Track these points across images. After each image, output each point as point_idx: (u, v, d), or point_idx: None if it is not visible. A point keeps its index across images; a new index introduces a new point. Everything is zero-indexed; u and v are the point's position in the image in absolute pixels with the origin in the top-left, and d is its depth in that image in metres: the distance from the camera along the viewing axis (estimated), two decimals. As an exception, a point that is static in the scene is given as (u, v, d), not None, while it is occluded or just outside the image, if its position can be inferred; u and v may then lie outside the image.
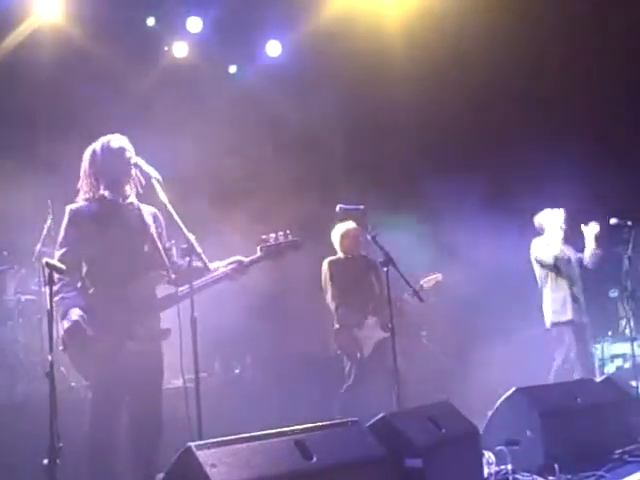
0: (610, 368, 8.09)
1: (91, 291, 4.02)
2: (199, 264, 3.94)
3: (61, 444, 3.28)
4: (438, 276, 6.53)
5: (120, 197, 4.19)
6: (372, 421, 3.95)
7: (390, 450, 3.65)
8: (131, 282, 4.06)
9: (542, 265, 6.95)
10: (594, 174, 7.66)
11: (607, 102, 8.42)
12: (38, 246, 6.19)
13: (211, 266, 4.10)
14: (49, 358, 3.38)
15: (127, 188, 4.22)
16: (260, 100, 8.52)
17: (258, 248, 4.28)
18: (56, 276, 3.87)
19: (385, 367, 5.46)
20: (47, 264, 3.55)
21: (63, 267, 3.60)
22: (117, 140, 4.22)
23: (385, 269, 5.14)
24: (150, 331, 4.11)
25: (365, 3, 8.34)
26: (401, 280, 5.33)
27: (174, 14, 8.20)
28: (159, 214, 4.34)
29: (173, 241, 3.92)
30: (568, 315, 6.81)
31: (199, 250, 3.88)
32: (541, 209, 7.14)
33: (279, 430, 3.30)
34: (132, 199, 4.25)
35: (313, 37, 8.30)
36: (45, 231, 6.16)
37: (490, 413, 4.95)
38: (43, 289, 5.72)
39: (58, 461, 3.26)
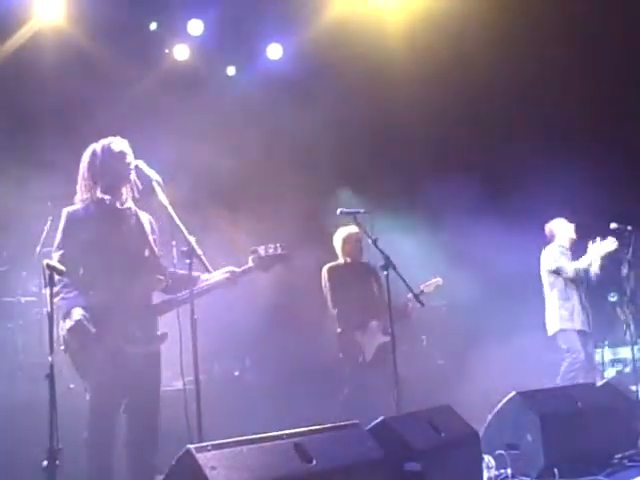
0: (610, 373, 8.09)
1: (90, 293, 4.01)
2: (195, 274, 3.98)
3: (60, 446, 3.29)
4: (438, 280, 6.53)
5: (118, 201, 4.20)
6: (372, 424, 3.95)
7: (390, 454, 3.65)
8: (129, 286, 4.07)
9: (559, 273, 6.94)
10: (595, 176, 7.67)
11: (607, 102, 8.44)
12: (38, 247, 6.19)
13: (204, 276, 4.15)
14: (49, 360, 3.38)
15: (124, 192, 4.23)
16: (260, 102, 8.52)
17: (250, 259, 4.35)
18: (56, 277, 3.88)
19: (386, 371, 5.45)
20: (47, 265, 3.55)
21: (63, 268, 3.60)
22: (118, 143, 4.23)
23: (385, 273, 5.14)
24: (148, 335, 4.12)
25: (367, 6, 8.35)
26: (401, 284, 5.32)
27: (175, 17, 8.20)
28: (153, 220, 4.37)
29: (174, 243, 3.92)
30: (577, 324, 6.83)
31: (199, 252, 3.89)
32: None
33: (279, 433, 3.30)
34: (129, 204, 4.27)
35: (314, 40, 8.30)
36: (45, 232, 6.16)
37: (490, 417, 4.95)
38: (43, 291, 5.71)
39: (58, 463, 3.27)
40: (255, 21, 8.45)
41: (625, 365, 7.97)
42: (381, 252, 5.21)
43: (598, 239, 6.82)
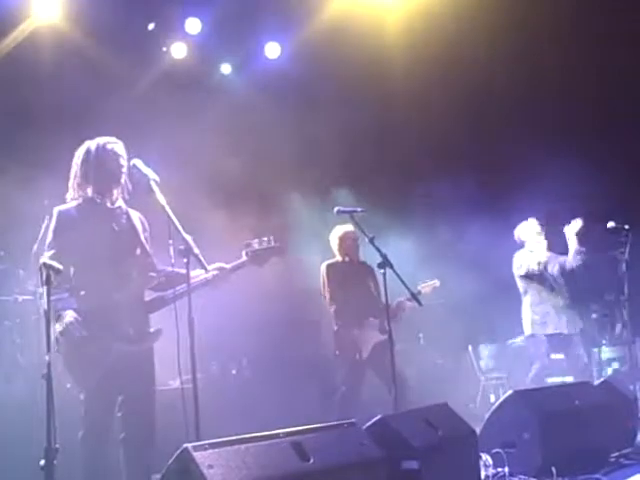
0: (607, 372, 8.10)
1: (82, 293, 4.00)
2: (182, 271, 3.95)
3: (58, 445, 3.28)
4: (435, 282, 6.54)
5: (108, 201, 4.20)
6: (369, 423, 3.96)
7: (387, 452, 3.66)
8: (120, 285, 4.06)
9: (527, 276, 6.97)
10: (594, 175, 7.67)
11: (607, 102, 8.45)
12: (35, 246, 6.18)
13: (195, 273, 4.11)
14: (46, 359, 3.38)
15: (115, 193, 4.23)
16: (258, 101, 8.51)
17: (243, 253, 4.34)
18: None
19: (383, 369, 5.46)
20: (44, 264, 3.54)
21: (60, 267, 3.59)
22: (112, 144, 4.22)
23: (382, 271, 5.14)
24: (140, 333, 4.12)
25: (365, 5, 8.34)
26: (396, 283, 5.32)
27: (173, 15, 8.19)
28: (144, 218, 4.36)
29: (171, 241, 3.91)
30: (549, 329, 6.87)
31: (196, 251, 3.88)
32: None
33: (276, 432, 3.30)
34: (120, 203, 4.26)
35: (312, 38, 8.30)
36: (42, 231, 6.14)
37: (487, 415, 4.96)
38: (40, 290, 5.71)
39: (55, 462, 3.26)
40: (253, 19, 8.45)
41: (622, 364, 7.97)
42: (378, 250, 5.20)
43: (574, 221, 6.83)
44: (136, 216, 4.33)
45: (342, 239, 6.35)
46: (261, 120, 8.29)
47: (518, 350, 7.86)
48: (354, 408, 5.82)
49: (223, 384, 7.21)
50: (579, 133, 8.51)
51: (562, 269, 6.92)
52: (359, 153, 8.86)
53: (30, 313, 6.36)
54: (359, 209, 5.47)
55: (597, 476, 4.64)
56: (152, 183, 3.99)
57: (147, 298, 4.26)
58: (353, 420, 3.80)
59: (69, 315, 3.89)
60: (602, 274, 7.25)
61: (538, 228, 7.06)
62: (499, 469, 4.63)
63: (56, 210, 4.16)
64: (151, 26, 8.14)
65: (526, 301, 7.02)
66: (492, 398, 7.76)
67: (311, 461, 3.23)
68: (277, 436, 3.28)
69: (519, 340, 7.78)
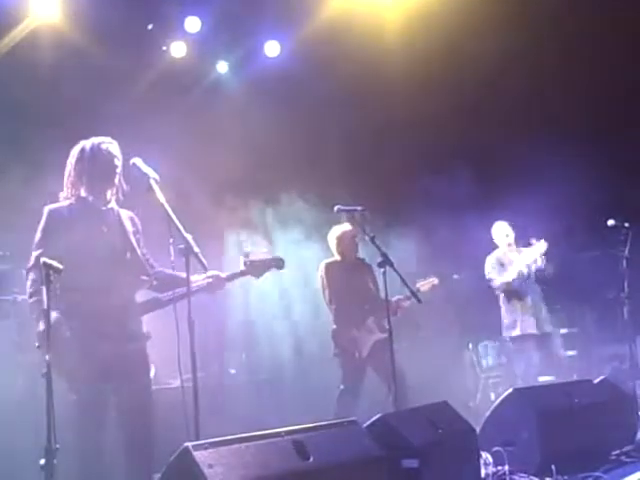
0: (607, 369, 8.11)
1: (69, 293, 3.89)
2: (181, 274, 3.93)
3: (58, 445, 3.28)
4: (434, 280, 6.54)
5: (101, 202, 4.19)
6: (370, 421, 3.96)
7: (387, 450, 3.66)
8: (109, 286, 4.03)
9: (494, 283, 7.05)
10: (593, 174, 7.67)
11: (607, 101, 8.44)
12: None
13: (193, 278, 4.09)
14: (46, 358, 3.37)
15: (109, 193, 4.22)
16: (258, 99, 8.51)
17: (242, 262, 4.32)
18: (32, 277, 3.87)
19: (383, 367, 5.46)
20: (44, 264, 3.53)
21: (60, 267, 3.57)
22: (107, 144, 4.21)
23: (382, 270, 5.14)
24: (129, 333, 4.10)
25: (365, 3, 8.33)
26: (395, 281, 5.32)
27: (172, 14, 8.18)
28: (136, 219, 4.35)
29: (171, 241, 3.90)
30: (518, 331, 6.94)
31: (196, 250, 3.87)
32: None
33: (276, 430, 3.30)
34: (112, 204, 4.25)
35: (312, 37, 8.29)
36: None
37: (487, 413, 4.96)
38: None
39: (55, 461, 3.26)
40: (253, 18, 8.44)
41: (622, 361, 7.98)
42: (378, 249, 5.21)
43: (541, 241, 6.85)
44: (126, 216, 4.30)
45: (340, 238, 6.35)
46: (261, 118, 8.29)
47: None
48: (354, 407, 5.82)
49: (223, 383, 7.21)
50: (579, 131, 8.51)
51: (530, 274, 6.97)
52: (358, 151, 8.86)
53: (29, 312, 6.35)
54: (359, 208, 5.47)
55: (597, 474, 4.64)
56: (152, 182, 3.98)
57: (143, 299, 4.24)
58: (353, 418, 3.81)
59: (53, 315, 3.84)
60: (586, 273, 7.33)
61: (508, 230, 7.11)
62: (499, 467, 4.63)
63: (46, 209, 4.13)
64: (149, 23, 8.12)
65: (500, 303, 7.13)
66: (492, 396, 7.77)
67: (311, 460, 3.23)
68: (277, 435, 3.28)
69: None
